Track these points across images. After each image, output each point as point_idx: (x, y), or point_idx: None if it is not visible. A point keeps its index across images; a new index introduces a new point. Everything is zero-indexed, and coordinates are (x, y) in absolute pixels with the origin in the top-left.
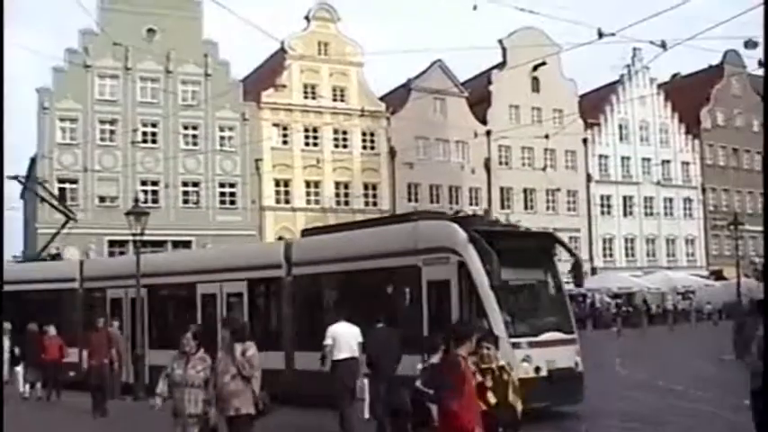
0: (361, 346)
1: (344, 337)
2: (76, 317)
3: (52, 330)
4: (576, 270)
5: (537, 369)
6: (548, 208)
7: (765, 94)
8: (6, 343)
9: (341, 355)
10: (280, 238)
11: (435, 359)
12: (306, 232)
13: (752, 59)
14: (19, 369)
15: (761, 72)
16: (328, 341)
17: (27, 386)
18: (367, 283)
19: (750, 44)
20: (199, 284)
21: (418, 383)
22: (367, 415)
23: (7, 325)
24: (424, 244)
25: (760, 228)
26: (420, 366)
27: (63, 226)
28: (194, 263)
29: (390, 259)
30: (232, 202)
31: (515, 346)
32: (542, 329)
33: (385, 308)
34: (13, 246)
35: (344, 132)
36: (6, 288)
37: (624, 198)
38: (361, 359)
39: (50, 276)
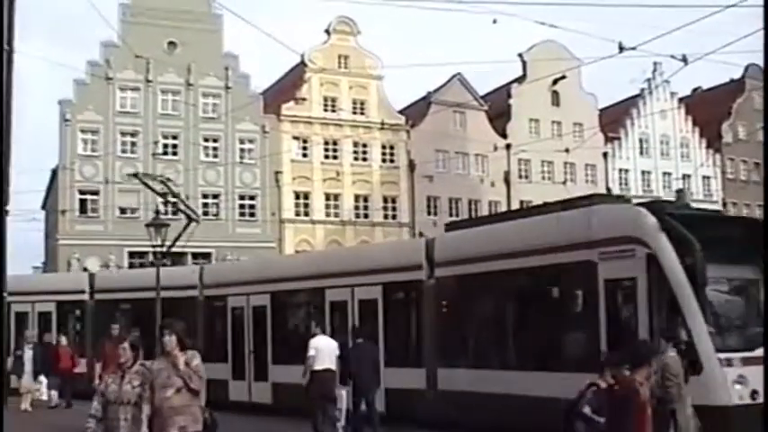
0: (339, 359)
1: (325, 350)
2: (197, 327)
3: (63, 341)
4: None
5: (753, 394)
6: None
7: (766, 97)
8: (29, 353)
9: (321, 366)
10: (297, 251)
11: (603, 382)
12: (451, 226)
13: None
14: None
15: None
16: (311, 352)
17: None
18: (527, 285)
19: None
20: (328, 290)
21: (586, 409)
22: (343, 422)
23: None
24: (601, 233)
25: None
26: (585, 389)
27: (185, 228)
28: (323, 265)
29: (557, 254)
30: (252, 215)
31: (726, 363)
32: (757, 342)
33: (550, 314)
34: (35, 257)
35: (364, 145)
36: (119, 296)
37: None
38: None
39: (172, 284)
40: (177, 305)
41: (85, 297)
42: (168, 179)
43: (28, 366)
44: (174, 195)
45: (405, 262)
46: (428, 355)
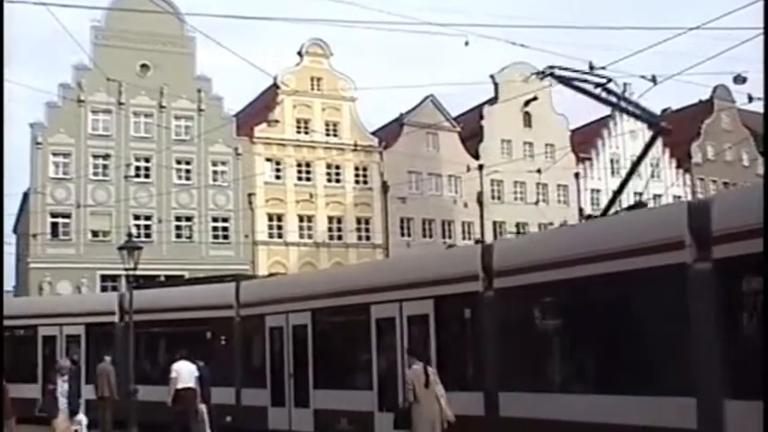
0: (197, 379)
1: (185, 372)
2: (234, 350)
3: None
4: None
5: None
6: None
7: (766, 97)
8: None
9: (183, 385)
10: (271, 274)
11: None
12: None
13: (741, 94)
14: None
15: (750, 107)
16: (173, 374)
17: None
18: (607, 296)
19: (739, 79)
20: (373, 306)
21: None
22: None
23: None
24: (720, 226)
25: None
26: None
27: None
28: (368, 278)
29: (643, 258)
30: (225, 237)
31: None
32: None
33: (640, 331)
34: (6, 280)
35: (337, 167)
36: (148, 317)
37: None
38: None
39: (205, 303)
40: (212, 326)
41: (115, 319)
42: None
43: (63, 403)
44: None
45: (458, 272)
46: (487, 377)
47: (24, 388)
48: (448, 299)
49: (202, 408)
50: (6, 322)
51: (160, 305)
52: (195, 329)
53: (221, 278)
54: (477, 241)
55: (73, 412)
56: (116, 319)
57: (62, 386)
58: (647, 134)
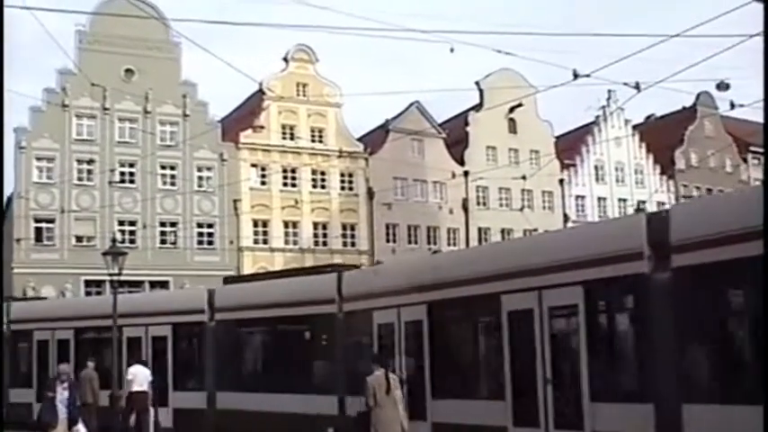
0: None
1: (141, 376)
2: (335, 351)
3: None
4: None
5: None
6: None
7: (766, 96)
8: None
9: (138, 388)
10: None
11: None
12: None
13: (724, 101)
14: None
15: (733, 113)
16: (129, 377)
17: None
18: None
19: (722, 86)
20: (504, 296)
21: None
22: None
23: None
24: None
25: None
26: None
27: None
28: (499, 263)
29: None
30: (210, 243)
31: None
32: None
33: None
34: None
35: (323, 173)
36: (241, 315)
37: None
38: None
39: (301, 298)
40: (311, 324)
41: (204, 318)
42: None
43: (62, 411)
44: None
45: (614, 249)
46: (668, 383)
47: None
48: (601, 285)
49: (151, 410)
50: (86, 323)
51: (248, 302)
52: (289, 329)
53: (321, 268)
54: (637, 210)
55: (73, 421)
56: (206, 318)
57: (62, 393)
58: (632, 141)
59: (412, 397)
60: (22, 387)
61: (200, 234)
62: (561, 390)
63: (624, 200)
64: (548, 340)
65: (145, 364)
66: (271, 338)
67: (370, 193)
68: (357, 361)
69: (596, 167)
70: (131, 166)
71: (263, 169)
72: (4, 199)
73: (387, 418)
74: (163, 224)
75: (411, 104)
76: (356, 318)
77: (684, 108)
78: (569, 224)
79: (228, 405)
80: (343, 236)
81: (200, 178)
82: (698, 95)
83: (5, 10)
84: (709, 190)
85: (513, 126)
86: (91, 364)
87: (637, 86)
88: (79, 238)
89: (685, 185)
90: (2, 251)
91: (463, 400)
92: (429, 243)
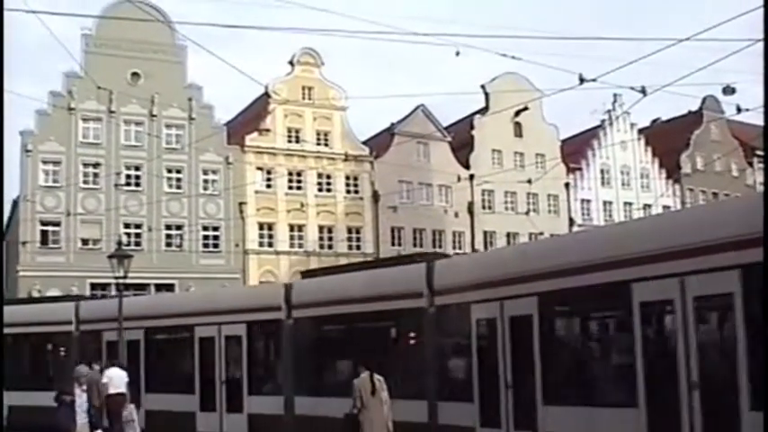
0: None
1: (117, 378)
2: (425, 350)
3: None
4: None
5: None
6: None
7: (766, 94)
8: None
9: (115, 390)
10: (261, 282)
11: None
12: None
13: (730, 105)
14: None
15: (739, 118)
16: (105, 380)
17: None
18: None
19: (728, 90)
20: (635, 284)
21: None
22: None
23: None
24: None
25: None
26: None
27: None
28: (621, 244)
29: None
30: (215, 246)
31: None
32: None
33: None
34: None
35: (328, 176)
36: (321, 311)
37: None
38: None
39: (386, 291)
40: (397, 320)
41: (281, 315)
42: None
43: (81, 416)
44: None
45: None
46: None
47: (176, 399)
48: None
49: (131, 407)
50: (156, 323)
51: (328, 298)
52: (374, 326)
53: (408, 258)
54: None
55: (95, 427)
56: (283, 315)
57: (80, 397)
58: (637, 145)
59: (518, 403)
60: None
61: (206, 237)
62: (709, 396)
63: (630, 203)
64: (692, 333)
65: (121, 366)
66: (353, 337)
67: (376, 197)
68: (450, 362)
69: (602, 171)
70: (137, 169)
71: (268, 172)
72: (4, 199)
73: (373, 420)
74: (168, 227)
75: (416, 108)
76: (450, 312)
77: (690, 112)
78: (575, 228)
79: (307, 411)
80: (349, 239)
81: (205, 181)
82: (704, 99)
83: (12, 13)
84: (715, 194)
85: (518, 130)
86: (96, 367)
87: (643, 90)
88: (85, 241)
89: (691, 189)
90: (2, 251)
91: (580, 407)
92: (434, 246)
